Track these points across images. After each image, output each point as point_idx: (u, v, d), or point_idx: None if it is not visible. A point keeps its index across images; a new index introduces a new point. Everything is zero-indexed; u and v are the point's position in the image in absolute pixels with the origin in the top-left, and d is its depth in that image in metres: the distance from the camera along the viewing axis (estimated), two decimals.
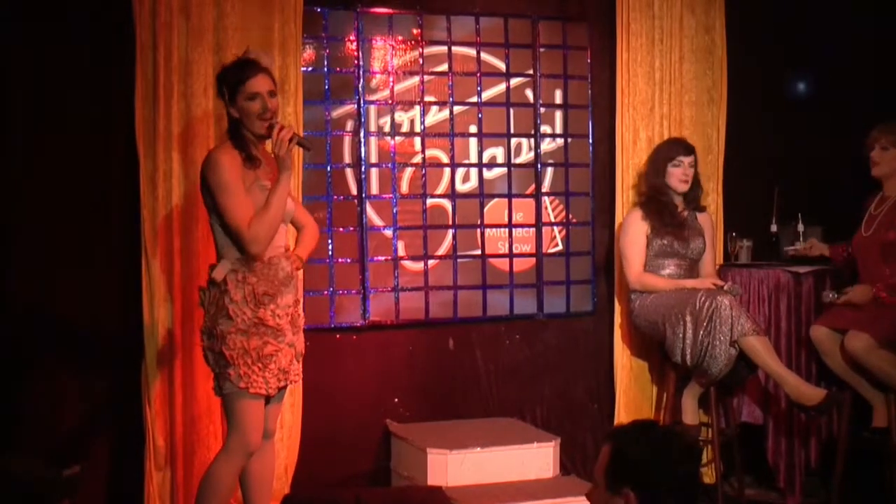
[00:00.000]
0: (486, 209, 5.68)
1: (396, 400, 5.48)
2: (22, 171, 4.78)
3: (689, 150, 5.45)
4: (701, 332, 5.02)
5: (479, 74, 5.65)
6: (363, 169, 5.42)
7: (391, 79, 5.48)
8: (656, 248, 5.40)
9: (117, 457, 4.95)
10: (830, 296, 5.15)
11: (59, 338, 4.84)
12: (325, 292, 5.36)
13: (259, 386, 3.99)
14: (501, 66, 5.71)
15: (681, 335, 5.08)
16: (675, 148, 5.45)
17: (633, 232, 5.42)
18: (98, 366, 4.90)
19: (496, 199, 5.72)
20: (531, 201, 5.77)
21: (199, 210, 4.91)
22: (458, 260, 5.62)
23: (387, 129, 5.49)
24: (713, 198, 5.81)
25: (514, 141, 5.74)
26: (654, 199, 5.44)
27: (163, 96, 4.85)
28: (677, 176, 5.41)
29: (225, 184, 3.97)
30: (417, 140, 5.55)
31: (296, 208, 4.44)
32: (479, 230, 5.67)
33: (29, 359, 4.78)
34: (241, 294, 3.98)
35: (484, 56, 5.67)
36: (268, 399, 4.12)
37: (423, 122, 5.54)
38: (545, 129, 5.79)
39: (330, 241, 5.35)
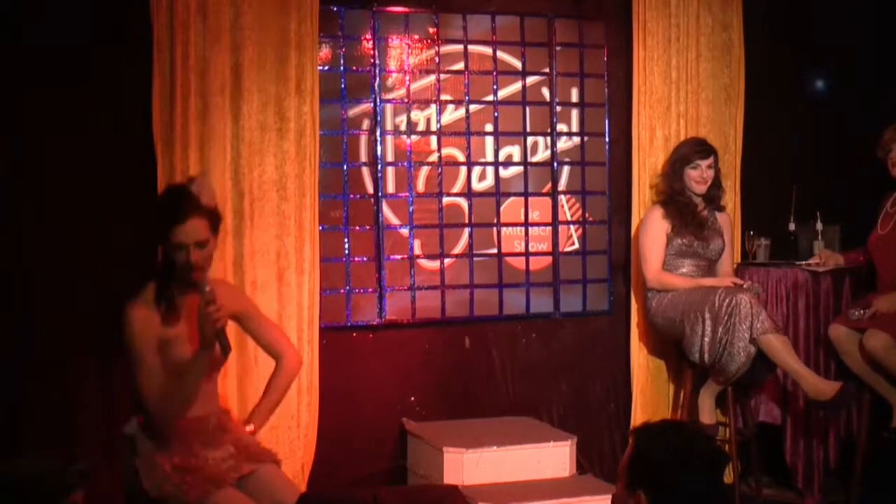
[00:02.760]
0: (502, 208, 5.68)
1: (413, 398, 5.48)
2: (39, 172, 4.79)
3: (707, 152, 5.41)
4: (720, 330, 5.00)
5: (495, 73, 5.64)
6: (379, 168, 5.42)
7: (407, 77, 5.48)
8: (676, 248, 5.38)
9: None
10: (857, 314, 5.12)
11: (77, 337, 4.84)
12: (342, 291, 5.36)
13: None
14: (517, 64, 5.70)
15: (699, 333, 5.07)
16: (692, 151, 5.41)
17: (653, 231, 5.40)
18: (115, 365, 4.89)
19: (512, 198, 5.71)
20: (547, 200, 5.76)
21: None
22: (475, 259, 5.61)
23: (403, 127, 5.49)
24: (730, 196, 5.78)
25: (530, 139, 5.73)
26: (674, 198, 5.42)
27: (180, 95, 4.86)
28: (694, 178, 5.39)
29: (133, 351, 3.59)
30: (433, 139, 5.55)
31: (270, 330, 4.08)
32: (495, 229, 5.66)
33: (46, 358, 4.78)
34: (150, 464, 3.61)
35: (500, 54, 5.66)
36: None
37: (439, 121, 5.54)
38: (561, 127, 5.78)
39: (346, 239, 5.36)
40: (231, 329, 3.80)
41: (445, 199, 5.56)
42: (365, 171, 5.45)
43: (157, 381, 3.57)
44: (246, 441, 3.84)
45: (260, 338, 4.08)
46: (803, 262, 5.50)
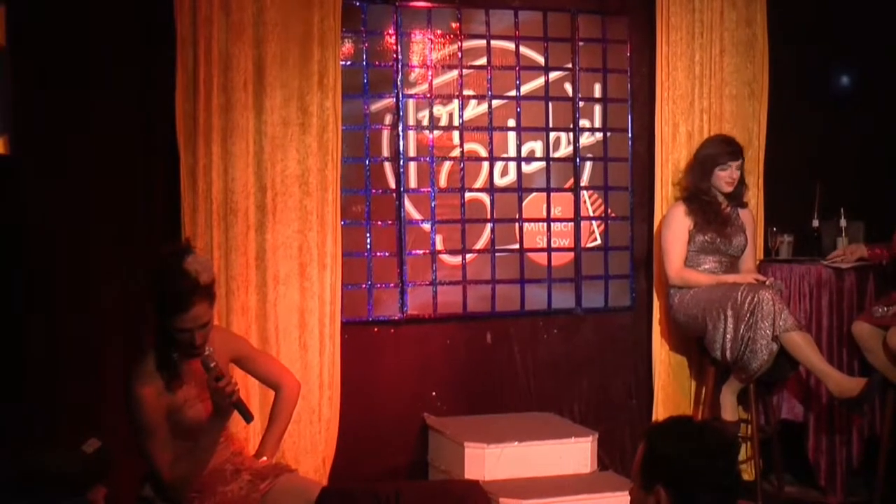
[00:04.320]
0: (524, 203, 5.67)
1: (434, 393, 5.49)
2: (61, 167, 4.80)
3: (737, 153, 5.39)
4: (742, 327, 4.98)
5: (517, 68, 5.63)
6: (401, 163, 5.43)
7: (430, 73, 5.48)
8: (698, 244, 5.36)
9: None
10: (881, 310, 5.10)
11: (100, 332, 4.86)
12: (364, 286, 5.37)
13: None
14: (540, 59, 5.69)
15: (721, 330, 5.05)
16: (723, 152, 5.37)
17: (676, 227, 5.39)
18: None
19: (534, 194, 5.70)
20: (570, 195, 5.75)
21: (238, 204, 4.96)
22: (497, 254, 5.61)
23: (425, 122, 5.49)
24: (754, 192, 5.76)
25: (552, 135, 5.72)
26: (697, 196, 5.40)
27: (203, 90, 4.88)
28: (724, 179, 5.37)
29: (143, 426, 3.59)
30: (456, 134, 5.55)
31: (266, 364, 4.11)
32: (517, 224, 5.65)
33: (71, 354, 4.80)
34: None
35: (523, 50, 5.65)
36: None
37: (461, 116, 5.54)
38: (584, 123, 5.76)
39: (368, 234, 5.36)
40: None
41: (467, 195, 5.56)
42: (387, 166, 5.45)
43: (169, 451, 3.60)
44: (258, 466, 3.87)
45: (258, 374, 4.14)
46: (827, 259, 5.47)
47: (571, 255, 5.75)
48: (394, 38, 5.41)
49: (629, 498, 2.67)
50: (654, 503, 2.54)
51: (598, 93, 5.79)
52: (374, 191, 5.40)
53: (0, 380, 4.39)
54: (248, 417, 3.68)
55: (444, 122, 5.54)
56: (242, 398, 3.75)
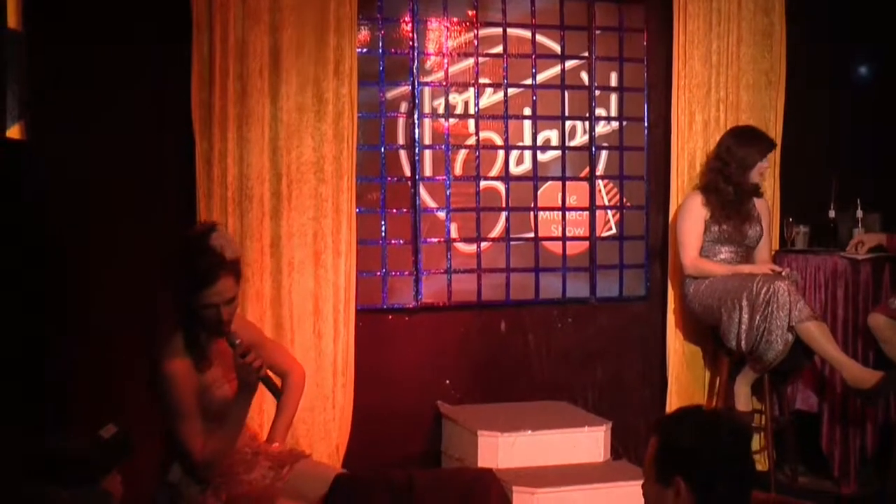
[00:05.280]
0: (539, 192, 5.66)
1: (448, 382, 5.49)
2: (76, 153, 4.79)
3: (773, 144, 5.43)
4: (757, 317, 4.97)
5: (534, 56, 5.62)
6: (417, 151, 5.42)
7: (446, 60, 5.47)
8: (714, 234, 5.35)
9: None
10: None
11: (118, 319, 4.86)
12: (378, 273, 5.37)
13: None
14: (557, 48, 5.68)
15: (736, 320, 5.04)
16: (765, 147, 5.36)
17: (693, 217, 5.37)
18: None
19: (550, 182, 5.69)
20: (585, 184, 5.74)
21: (254, 191, 4.96)
22: (511, 243, 5.61)
23: (441, 110, 5.48)
24: (770, 183, 5.73)
25: (568, 124, 5.71)
26: (714, 185, 5.37)
27: (218, 77, 4.88)
28: (760, 171, 5.37)
29: (175, 406, 3.59)
30: (471, 122, 5.54)
31: (275, 351, 4.10)
32: (532, 213, 5.65)
33: (89, 339, 4.81)
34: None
35: (539, 38, 5.64)
36: None
37: (477, 104, 5.53)
38: (600, 111, 5.75)
39: (383, 222, 5.37)
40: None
41: (483, 183, 5.55)
42: (402, 153, 5.45)
43: (201, 430, 3.60)
44: (275, 452, 3.91)
45: (266, 361, 4.10)
46: (845, 251, 5.43)
47: (586, 244, 5.74)
48: (410, 25, 5.40)
49: (642, 493, 2.66)
50: (672, 496, 2.52)
51: (614, 81, 5.78)
52: (389, 178, 5.40)
53: (18, 370, 4.39)
54: (276, 392, 3.73)
55: (459, 110, 5.53)
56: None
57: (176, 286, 3.66)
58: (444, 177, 5.48)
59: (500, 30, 5.56)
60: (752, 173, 5.36)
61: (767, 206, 5.59)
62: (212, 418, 3.65)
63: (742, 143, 5.38)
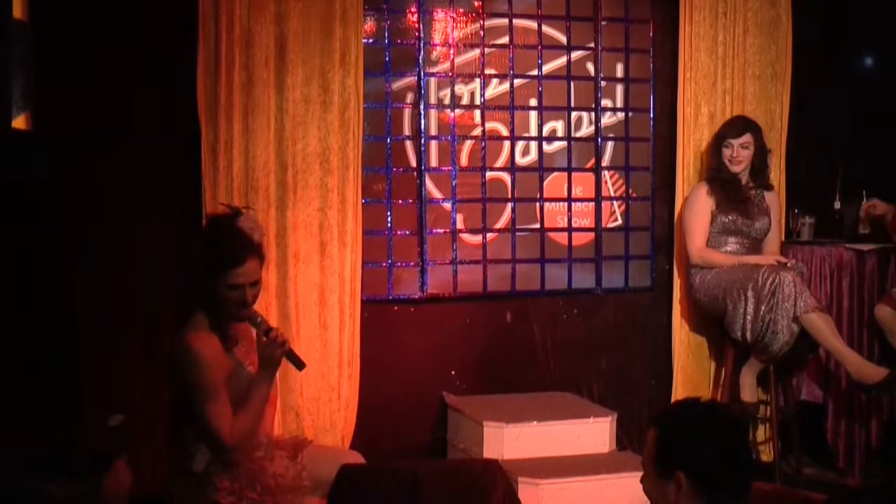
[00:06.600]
0: (545, 183, 5.66)
1: (453, 372, 5.50)
2: (81, 143, 4.79)
3: (739, 131, 5.36)
4: (763, 308, 4.97)
5: (539, 47, 5.61)
6: (423, 141, 5.42)
7: (452, 51, 5.46)
8: (720, 225, 5.35)
9: None
10: None
11: (122, 311, 4.87)
12: (384, 264, 5.37)
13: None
14: (562, 38, 5.67)
15: (742, 311, 5.04)
16: (726, 129, 5.40)
17: (699, 207, 5.38)
18: (162, 339, 4.92)
19: (555, 173, 5.69)
20: (591, 175, 5.74)
21: (259, 181, 4.96)
22: (517, 233, 5.61)
23: (447, 101, 5.48)
24: (776, 174, 5.73)
25: (574, 114, 5.70)
26: (720, 176, 5.38)
27: (224, 67, 4.88)
28: (726, 157, 5.36)
29: (205, 386, 3.55)
30: (477, 113, 5.54)
31: None
32: (537, 204, 5.65)
33: (94, 334, 4.82)
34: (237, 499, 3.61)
35: (545, 29, 5.63)
36: None
37: (482, 95, 5.53)
38: (606, 102, 5.74)
39: (389, 213, 5.37)
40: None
41: (488, 174, 5.55)
42: (408, 144, 5.45)
43: (230, 412, 3.58)
44: (282, 441, 3.92)
45: None
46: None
47: (592, 235, 5.74)
48: (416, 15, 5.40)
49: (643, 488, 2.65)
50: (674, 489, 2.52)
51: (620, 72, 5.77)
52: (395, 169, 5.40)
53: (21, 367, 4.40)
54: (300, 365, 3.76)
55: (465, 100, 5.53)
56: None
57: (202, 266, 3.66)
58: (450, 167, 5.48)
59: (506, 20, 5.56)
60: (723, 157, 5.35)
61: (778, 199, 5.60)
62: (240, 398, 3.63)
63: (722, 126, 5.46)
